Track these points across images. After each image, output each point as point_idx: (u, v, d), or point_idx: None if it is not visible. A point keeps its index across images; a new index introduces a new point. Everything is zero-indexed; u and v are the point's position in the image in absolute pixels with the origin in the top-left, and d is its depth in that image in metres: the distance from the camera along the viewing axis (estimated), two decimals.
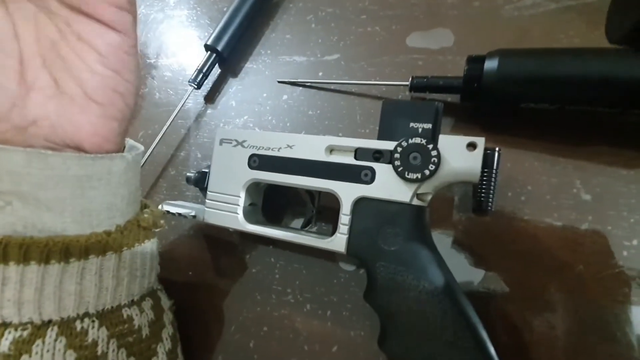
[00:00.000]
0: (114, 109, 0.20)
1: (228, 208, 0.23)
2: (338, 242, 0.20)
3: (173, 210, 0.25)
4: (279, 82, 0.32)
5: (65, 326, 0.19)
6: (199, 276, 0.30)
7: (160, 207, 0.26)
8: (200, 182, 0.25)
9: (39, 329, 0.18)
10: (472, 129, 0.26)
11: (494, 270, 0.22)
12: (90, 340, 0.19)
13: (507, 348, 0.22)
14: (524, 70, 0.22)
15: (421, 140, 0.18)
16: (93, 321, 0.19)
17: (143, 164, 0.32)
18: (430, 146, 0.18)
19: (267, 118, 0.31)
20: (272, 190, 0.26)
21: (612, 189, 0.22)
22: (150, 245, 0.22)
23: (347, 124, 0.29)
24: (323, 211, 0.24)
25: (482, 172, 0.21)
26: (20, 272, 0.18)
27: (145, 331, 0.21)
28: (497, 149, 0.21)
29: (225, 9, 0.34)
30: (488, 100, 0.23)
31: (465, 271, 0.23)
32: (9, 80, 0.18)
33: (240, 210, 0.23)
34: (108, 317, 0.20)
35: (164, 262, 0.25)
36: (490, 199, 0.22)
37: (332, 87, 0.30)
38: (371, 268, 0.19)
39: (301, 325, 0.25)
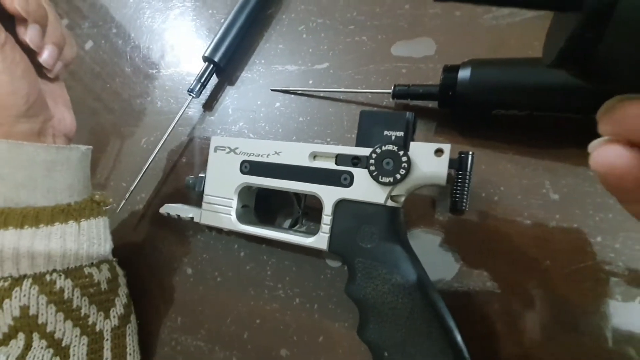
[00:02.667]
0: None
1: (222, 210, 0.25)
2: (321, 240, 0.22)
3: (172, 212, 0.27)
4: (272, 90, 0.34)
5: (38, 279, 0.24)
6: (198, 273, 0.32)
7: (160, 210, 0.28)
8: (198, 186, 0.27)
9: (17, 280, 0.23)
10: (450, 133, 0.28)
11: (468, 265, 0.24)
12: (58, 287, 0.24)
13: (477, 338, 0.23)
14: (494, 79, 0.23)
15: (393, 147, 0.20)
16: (60, 275, 0.24)
17: (146, 169, 0.35)
18: (402, 152, 0.20)
19: (261, 124, 0.33)
20: (264, 192, 0.28)
21: (579, 189, 0.24)
22: (103, 221, 0.27)
23: (334, 130, 0.31)
24: (310, 212, 0.26)
25: (457, 174, 0.23)
26: (1, 235, 0.23)
27: (103, 285, 0.26)
28: (470, 152, 0.23)
29: (222, 21, 0.36)
30: (462, 107, 0.24)
31: (441, 266, 0.24)
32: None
33: (233, 212, 0.25)
34: (72, 272, 0.25)
35: (165, 262, 0.27)
36: (465, 200, 0.24)
37: (322, 94, 0.32)
38: (350, 264, 0.21)
39: (290, 317, 0.27)
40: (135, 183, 0.35)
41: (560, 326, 0.22)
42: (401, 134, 0.20)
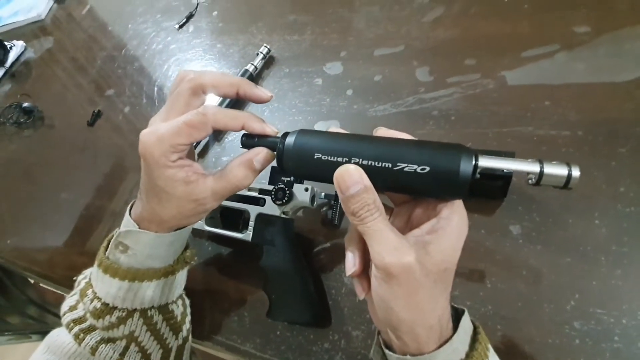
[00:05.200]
0: None
1: None
2: (247, 235, 0.39)
3: None
4: (241, 147, 0.53)
5: (143, 313, 0.34)
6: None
7: None
8: None
9: (130, 313, 0.33)
10: None
11: (338, 255, 0.41)
12: (154, 321, 0.34)
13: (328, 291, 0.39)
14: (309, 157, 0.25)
15: (284, 186, 0.38)
16: (156, 311, 0.34)
17: None
18: (287, 189, 0.37)
19: None
20: (226, 211, 0.46)
21: None
22: (185, 270, 0.37)
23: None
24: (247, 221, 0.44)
25: (333, 203, 0.41)
26: (129, 285, 0.32)
27: (178, 317, 0.37)
28: None
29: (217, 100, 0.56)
30: (287, 170, 0.27)
31: (323, 254, 0.41)
32: None
33: (203, 220, 0.43)
34: (162, 309, 0.35)
35: None
36: (338, 218, 0.41)
37: None
38: (261, 248, 0.38)
39: (231, 284, 0.44)
40: None
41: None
42: (290, 179, 0.38)
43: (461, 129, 0.43)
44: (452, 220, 0.23)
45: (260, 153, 0.29)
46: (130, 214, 0.33)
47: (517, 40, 0.45)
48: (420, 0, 0.54)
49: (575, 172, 0.20)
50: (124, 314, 0.33)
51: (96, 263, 0.34)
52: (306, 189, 0.37)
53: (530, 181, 0.21)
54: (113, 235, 0.33)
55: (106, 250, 0.34)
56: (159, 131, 0.27)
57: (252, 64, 0.58)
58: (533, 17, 0.46)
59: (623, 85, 0.39)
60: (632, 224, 0.33)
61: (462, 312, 0.26)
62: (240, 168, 0.29)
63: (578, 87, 0.40)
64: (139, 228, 0.31)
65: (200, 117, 0.27)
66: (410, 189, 0.24)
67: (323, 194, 0.41)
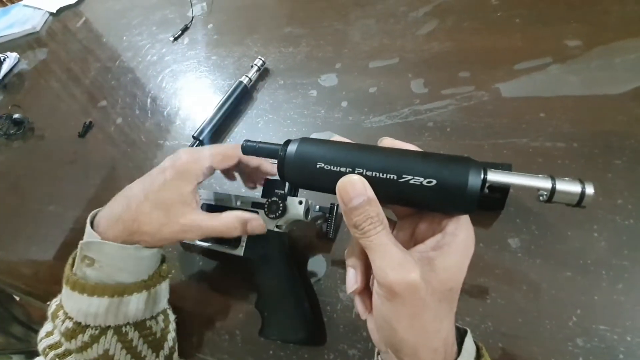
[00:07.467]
0: None
1: None
2: (239, 250, 0.38)
3: None
4: (242, 153, 0.52)
5: (117, 330, 0.32)
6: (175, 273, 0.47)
7: None
8: None
9: (103, 330, 0.32)
10: None
11: (332, 268, 0.40)
12: (129, 337, 0.33)
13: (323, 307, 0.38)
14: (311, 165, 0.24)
15: (277, 199, 0.37)
16: (131, 327, 0.33)
17: None
18: (280, 202, 0.36)
19: (224, 180, 0.51)
20: None
21: None
22: (164, 284, 0.36)
23: None
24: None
25: (329, 216, 0.40)
26: (99, 301, 0.31)
27: (158, 334, 0.35)
28: (336, 203, 0.40)
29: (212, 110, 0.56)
30: (287, 179, 0.26)
31: (320, 267, 0.40)
32: None
33: None
34: (139, 325, 0.34)
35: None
36: (333, 232, 0.40)
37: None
38: (255, 263, 0.37)
39: (221, 300, 0.42)
40: None
41: None
42: (283, 192, 0.37)
43: (457, 140, 0.43)
44: (458, 237, 0.22)
45: (257, 221, 0.34)
46: (92, 225, 0.32)
47: (509, 53, 0.45)
48: (415, 14, 0.54)
49: (589, 190, 0.19)
50: (96, 332, 0.32)
51: (64, 281, 0.32)
52: (300, 202, 0.36)
53: (541, 197, 0.20)
54: (76, 252, 0.32)
55: (72, 267, 0.32)
56: (201, 152, 0.32)
57: (247, 76, 0.57)
58: (525, 31, 0.46)
59: (616, 98, 0.39)
60: (631, 236, 0.33)
61: (465, 332, 0.25)
62: (235, 221, 0.33)
63: (572, 100, 0.40)
64: (105, 231, 0.31)
65: (237, 150, 0.32)
66: (416, 203, 0.23)
67: (317, 206, 0.40)
